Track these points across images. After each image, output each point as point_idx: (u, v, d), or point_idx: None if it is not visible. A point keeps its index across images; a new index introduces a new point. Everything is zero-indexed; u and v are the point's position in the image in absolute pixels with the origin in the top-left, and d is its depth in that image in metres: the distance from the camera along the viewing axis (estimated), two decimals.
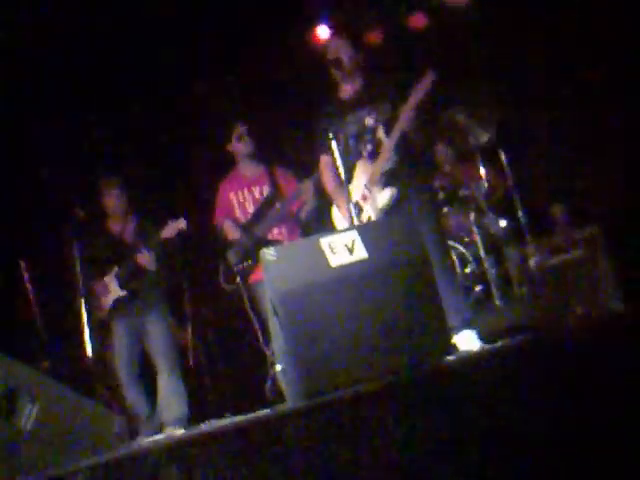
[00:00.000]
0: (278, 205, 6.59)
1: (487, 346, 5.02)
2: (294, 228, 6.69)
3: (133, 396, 6.67)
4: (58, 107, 7.81)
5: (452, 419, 3.62)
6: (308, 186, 6.32)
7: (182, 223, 6.55)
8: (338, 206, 5.69)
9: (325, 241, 4.21)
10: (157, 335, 6.75)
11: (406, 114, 5.38)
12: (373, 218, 5.47)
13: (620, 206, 6.58)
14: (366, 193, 5.53)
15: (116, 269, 6.75)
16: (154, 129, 8.46)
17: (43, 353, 7.12)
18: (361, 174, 5.58)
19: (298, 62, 8.22)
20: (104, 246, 6.82)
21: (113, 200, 6.94)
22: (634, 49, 6.79)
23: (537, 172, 7.96)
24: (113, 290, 6.73)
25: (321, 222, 6.39)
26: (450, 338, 4.47)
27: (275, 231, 6.64)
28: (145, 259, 6.65)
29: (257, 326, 6.40)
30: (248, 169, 6.81)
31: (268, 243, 6.45)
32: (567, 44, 7.41)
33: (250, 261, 6.52)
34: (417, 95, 5.35)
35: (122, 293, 6.72)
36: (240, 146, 6.75)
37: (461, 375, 3.78)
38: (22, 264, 7.16)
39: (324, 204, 6.17)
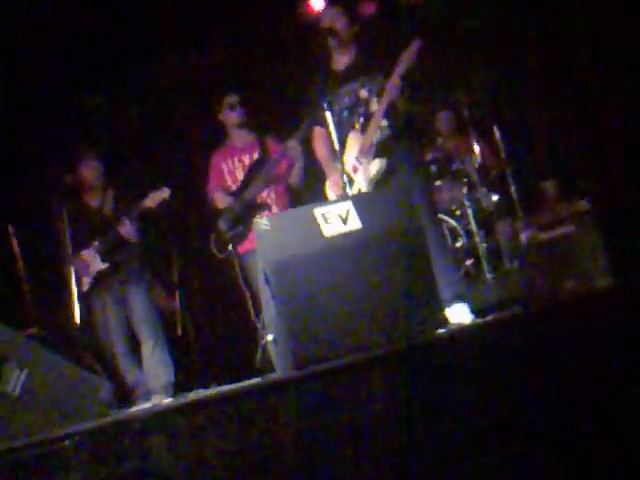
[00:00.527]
0: (265, 169, 6.55)
1: (478, 319, 5.02)
2: (283, 191, 6.67)
3: (127, 366, 6.65)
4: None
5: (442, 391, 3.62)
6: (293, 144, 6.26)
7: (165, 193, 6.47)
8: (330, 177, 5.66)
9: (319, 211, 4.20)
10: (139, 305, 6.70)
11: (393, 84, 5.34)
12: (364, 189, 5.44)
13: (615, 185, 6.59)
14: (356, 164, 5.50)
15: (96, 243, 6.67)
16: (138, 93, 8.39)
17: (31, 320, 7.10)
18: (352, 146, 5.55)
19: (291, 31, 8.15)
20: (82, 220, 6.73)
21: (90, 172, 6.84)
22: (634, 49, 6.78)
23: (529, 148, 7.96)
24: (94, 264, 6.67)
25: (310, 186, 6.37)
26: (443, 311, 4.46)
27: (264, 194, 6.60)
28: (126, 230, 6.58)
29: (247, 295, 6.38)
30: (239, 138, 6.79)
31: (257, 206, 6.44)
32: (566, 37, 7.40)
33: (241, 227, 6.49)
34: (403, 64, 5.30)
35: (103, 266, 6.66)
36: (232, 115, 6.72)
37: (452, 347, 3.78)
38: (10, 229, 7.13)
39: (313, 168, 6.14)
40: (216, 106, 6.77)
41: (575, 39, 7.11)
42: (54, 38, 7.50)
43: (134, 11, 7.72)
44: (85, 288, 6.64)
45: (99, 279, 6.69)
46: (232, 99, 6.72)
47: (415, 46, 5.28)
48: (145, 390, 6.58)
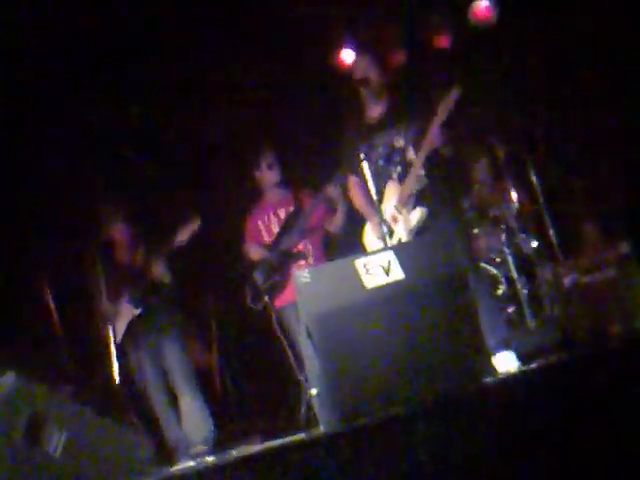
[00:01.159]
0: (300, 218, 6.54)
1: (525, 367, 4.95)
2: (318, 241, 6.65)
3: (168, 421, 6.59)
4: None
5: (495, 440, 3.56)
6: (331, 190, 6.23)
7: (195, 224, 6.43)
8: (370, 221, 5.63)
9: (360, 262, 4.16)
10: (174, 357, 6.64)
11: (432, 132, 5.34)
12: (404, 239, 5.41)
13: None
14: (396, 214, 5.48)
15: (126, 294, 6.66)
16: (177, 147, 8.44)
17: (70, 378, 7.08)
18: (391, 195, 5.55)
19: (322, 84, 8.19)
20: (116, 276, 6.72)
21: (120, 234, 6.86)
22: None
23: (568, 191, 7.90)
24: (125, 314, 6.64)
25: (348, 235, 6.34)
26: (490, 359, 4.39)
27: (300, 245, 6.58)
28: (159, 270, 6.57)
29: (287, 349, 6.33)
30: (274, 195, 6.78)
31: (293, 256, 6.41)
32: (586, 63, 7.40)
33: (277, 277, 6.46)
34: (442, 112, 5.31)
35: (137, 312, 6.63)
36: (269, 174, 6.72)
37: (502, 396, 3.72)
38: (46, 286, 7.14)
39: (353, 218, 6.12)
40: (252, 165, 6.77)
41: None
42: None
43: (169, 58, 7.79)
44: (119, 338, 6.60)
45: (133, 328, 6.65)
46: (269, 159, 6.73)
47: (453, 94, 5.28)
48: (186, 446, 6.51)
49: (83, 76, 7.60)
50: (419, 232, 5.39)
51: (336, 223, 6.52)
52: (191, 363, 6.80)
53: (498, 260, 7.54)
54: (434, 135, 5.34)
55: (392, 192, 5.51)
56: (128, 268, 6.77)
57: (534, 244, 7.54)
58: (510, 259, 7.35)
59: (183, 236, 6.44)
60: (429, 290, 4.11)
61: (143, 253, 6.73)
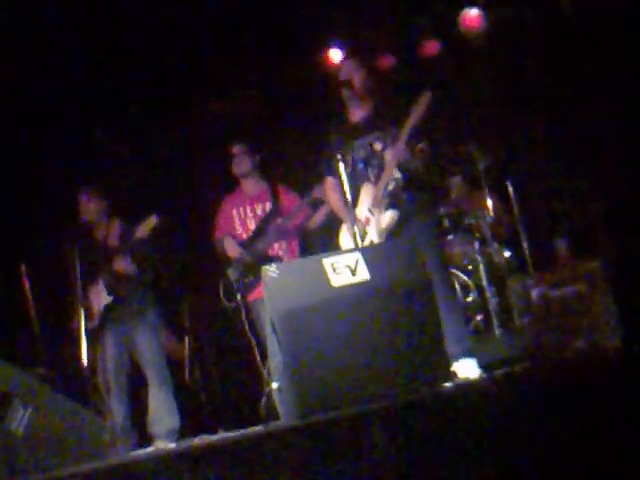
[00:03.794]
0: (279, 221, 6.58)
1: (486, 375, 5.00)
2: (295, 245, 6.69)
3: (115, 407, 6.60)
4: (61, 111, 7.80)
5: (448, 446, 3.60)
6: (318, 190, 6.29)
7: (153, 220, 6.46)
8: (345, 225, 5.68)
9: (328, 261, 4.20)
10: (146, 346, 6.67)
11: (404, 136, 5.38)
12: (376, 241, 5.45)
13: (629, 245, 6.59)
14: (369, 216, 5.52)
15: (102, 278, 6.70)
16: (157, 138, 8.45)
17: (39, 359, 7.10)
18: (365, 197, 5.57)
19: (308, 82, 8.22)
20: (90, 253, 6.75)
21: (93, 208, 6.89)
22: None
23: (542, 206, 7.97)
24: (103, 297, 6.68)
25: (324, 234, 6.39)
26: (449, 365, 4.44)
27: (275, 247, 6.62)
28: (120, 264, 6.61)
29: (254, 343, 6.38)
30: (250, 187, 6.82)
31: (268, 259, 6.45)
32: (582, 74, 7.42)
33: (251, 277, 6.50)
34: (414, 116, 5.34)
35: (108, 299, 6.66)
36: (234, 166, 6.76)
37: (459, 402, 3.76)
38: (22, 268, 7.15)
39: (330, 219, 6.17)
40: (228, 154, 6.81)
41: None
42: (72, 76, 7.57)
43: (154, 54, 7.80)
44: (95, 324, 6.64)
45: (106, 315, 6.68)
46: (236, 149, 6.76)
47: (425, 99, 5.32)
48: (128, 436, 6.52)
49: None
50: (390, 235, 5.43)
51: (316, 220, 6.58)
52: (164, 354, 6.85)
53: (470, 268, 7.60)
54: (406, 139, 5.37)
55: (367, 194, 5.54)
56: (102, 246, 6.81)
57: (506, 254, 7.62)
58: (482, 268, 7.41)
59: (141, 232, 6.49)
60: (393, 293, 4.15)
61: (118, 235, 6.78)
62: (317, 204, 6.55)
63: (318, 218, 6.57)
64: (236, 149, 6.75)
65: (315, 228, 6.62)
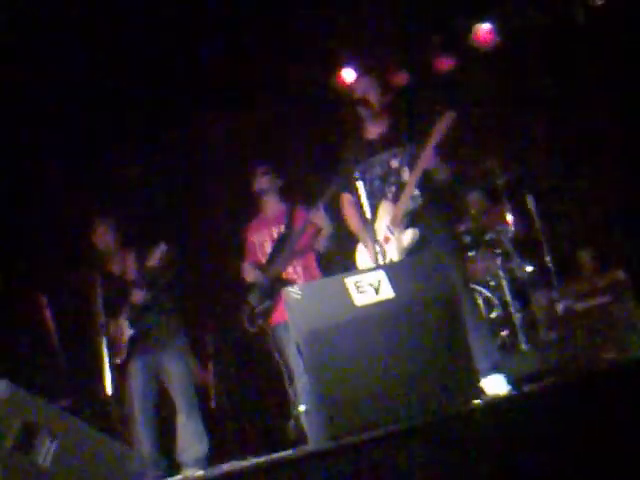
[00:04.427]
0: (289, 241, 6.56)
1: (515, 390, 4.94)
2: (309, 264, 6.65)
3: (143, 436, 6.57)
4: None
5: (479, 463, 3.56)
6: (315, 213, 6.27)
7: (162, 248, 6.47)
8: (365, 245, 5.64)
9: (350, 280, 4.16)
10: (174, 374, 6.67)
11: (426, 154, 5.36)
12: (395, 259, 5.41)
13: None
14: (388, 234, 5.49)
15: (125, 310, 6.70)
16: (175, 165, 8.47)
17: (64, 391, 7.08)
18: (384, 215, 5.54)
19: (321, 101, 8.23)
20: (109, 287, 6.74)
21: (109, 239, 6.89)
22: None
23: (564, 217, 7.93)
24: (125, 330, 6.68)
25: (341, 252, 6.35)
26: (478, 381, 4.39)
27: (290, 270, 6.60)
28: (139, 296, 6.61)
29: (281, 367, 6.35)
30: (270, 207, 6.80)
31: (283, 282, 6.42)
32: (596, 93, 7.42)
33: (268, 301, 6.49)
34: (436, 135, 5.33)
35: (131, 332, 6.66)
36: (263, 181, 6.74)
37: (489, 419, 3.72)
38: (43, 300, 7.15)
39: (342, 234, 6.13)
40: (250, 176, 6.80)
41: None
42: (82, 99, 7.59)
43: (167, 73, 7.81)
44: (123, 357, 6.63)
45: (131, 347, 6.67)
46: (263, 168, 6.77)
47: (448, 117, 5.31)
48: (154, 465, 6.48)
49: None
50: (411, 253, 5.39)
51: (321, 243, 6.55)
52: (192, 381, 6.83)
53: (493, 284, 7.56)
54: (427, 157, 5.36)
55: (385, 212, 5.51)
56: (119, 280, 6.80)
57: (529, 269, 7.56)
58: (505, 283, 7.36)
59: (151, 262, 6.50)
60: (419, 310, 4.11)
61: (133, 270, 6.78)
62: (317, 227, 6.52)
63: (322, 241, 6.54)
64: (265, 167, 6.75)
65: (323, 250, 6.58)
